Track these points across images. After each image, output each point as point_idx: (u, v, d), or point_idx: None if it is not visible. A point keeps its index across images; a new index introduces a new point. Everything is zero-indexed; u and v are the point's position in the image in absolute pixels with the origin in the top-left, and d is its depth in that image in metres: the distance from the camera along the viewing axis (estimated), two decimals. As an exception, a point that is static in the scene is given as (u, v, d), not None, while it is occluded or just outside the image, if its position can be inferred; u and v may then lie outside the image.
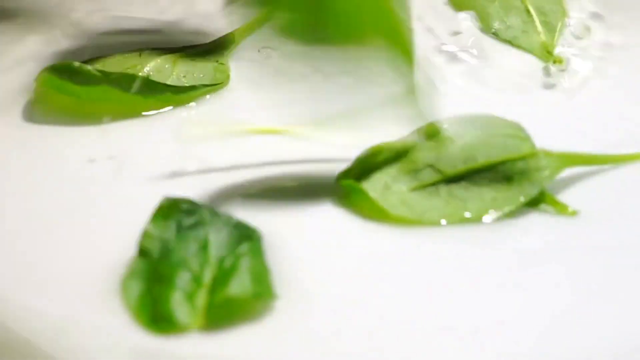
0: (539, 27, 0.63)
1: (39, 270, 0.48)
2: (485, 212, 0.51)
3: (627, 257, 0.50)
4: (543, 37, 0.62)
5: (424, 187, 0.52)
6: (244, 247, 0.48)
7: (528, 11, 0.63)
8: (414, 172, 0.52)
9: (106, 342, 0.44)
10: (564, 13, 0.64)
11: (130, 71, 0.59)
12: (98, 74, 0.59)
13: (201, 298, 0.45)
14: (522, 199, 0.51)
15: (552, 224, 0.51)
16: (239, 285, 0.46)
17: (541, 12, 0.64)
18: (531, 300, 0.47)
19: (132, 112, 0.57)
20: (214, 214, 0.49)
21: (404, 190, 0.52)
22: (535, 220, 0.51)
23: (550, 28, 0.63)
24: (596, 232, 0.51)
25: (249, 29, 0.60)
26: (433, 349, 0.45)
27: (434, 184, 0.52)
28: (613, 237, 0.51)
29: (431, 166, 0.52)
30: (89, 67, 0.59)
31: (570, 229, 0.51)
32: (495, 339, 0.45)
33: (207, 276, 0.46)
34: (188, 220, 0.48)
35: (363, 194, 0.51)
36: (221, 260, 0.47)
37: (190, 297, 0.45)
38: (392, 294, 0.47)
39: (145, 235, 0.48)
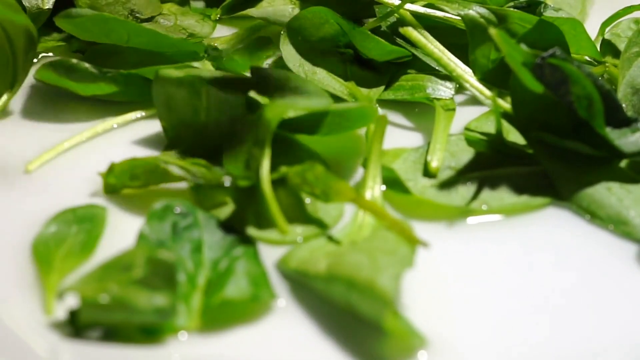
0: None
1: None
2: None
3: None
4: None
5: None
6: (238, 251, 0.48)
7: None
8: None
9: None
10: None
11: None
12: (94, 71, 0.59)
13: (196, 300, 0.46)
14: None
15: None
16: (236, 288, 0.46)
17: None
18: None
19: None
20: (209, 217, 0.49)
21: None
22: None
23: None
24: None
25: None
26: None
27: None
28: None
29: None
30: (85, 64, 0.59)
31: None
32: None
33: (201, 278, 0.47)
34: (183, 222, 0.49)
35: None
36: (215, 263, 0.47)
37: (185, 298, 0.46)
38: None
39: (141, 236, 0.48)
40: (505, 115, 0.56)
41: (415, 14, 0.63)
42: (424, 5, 0.63)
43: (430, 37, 0.61)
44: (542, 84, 0.53)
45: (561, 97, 0.53)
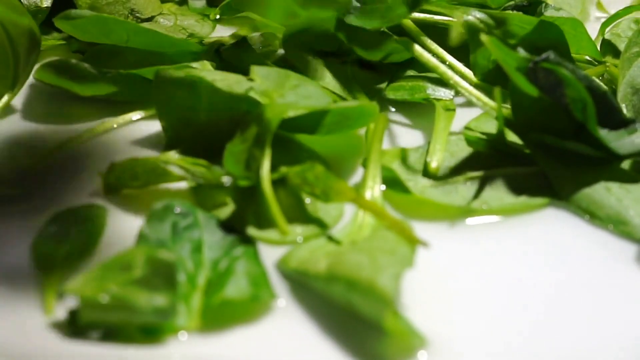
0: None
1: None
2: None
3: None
4: None
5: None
6: (238, 251, 0.48)
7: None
8: None
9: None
10: None
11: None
12: (94, 71, 0.59)
13: (196, 300, 0.46)
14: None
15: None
16: (236, 288, 0.46)
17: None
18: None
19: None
20: (209, 217, 0.49)
21: None
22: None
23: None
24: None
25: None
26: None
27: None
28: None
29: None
30: (85, 64, 0.59)
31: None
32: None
33: (201, 278, 0.47)
34: (183, 222, 0.49)
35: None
36: (215, 263, 0.47)
37: (185, 298, 0.46)
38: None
39: (141, 236, 0.48)
40: (505, 120, 0.56)
41: (414, 20, 0.62)
42: (423, 11, 0.63)
43: (430, 42, 0.61)
44: (537, 87, 0.53)
45: (557, 100, 0.53)
